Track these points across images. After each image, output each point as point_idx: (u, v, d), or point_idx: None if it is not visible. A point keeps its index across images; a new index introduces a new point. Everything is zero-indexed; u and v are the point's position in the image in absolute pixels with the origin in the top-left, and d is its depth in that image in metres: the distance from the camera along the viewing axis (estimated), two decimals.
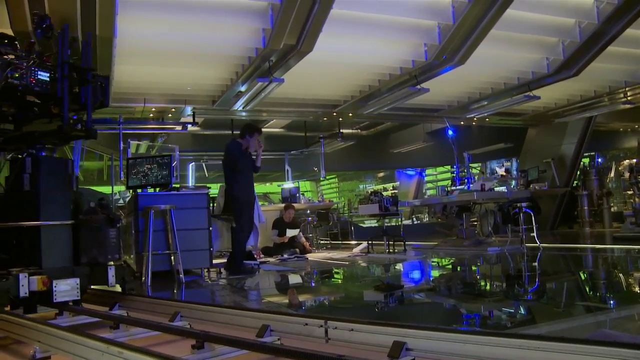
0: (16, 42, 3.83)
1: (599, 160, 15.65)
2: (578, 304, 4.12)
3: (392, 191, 18.86)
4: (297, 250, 9.18)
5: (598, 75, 9.77)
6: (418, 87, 8.71)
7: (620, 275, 5.66)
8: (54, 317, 3.44)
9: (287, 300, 4.99)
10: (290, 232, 9.33)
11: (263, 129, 13.23)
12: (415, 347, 2.11)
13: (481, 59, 8.04)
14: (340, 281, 6.40)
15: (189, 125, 10.58)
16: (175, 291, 5.42)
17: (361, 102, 10.26)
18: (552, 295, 4.64)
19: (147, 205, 5.97)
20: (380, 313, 4.08)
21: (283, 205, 9.94)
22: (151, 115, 10.39)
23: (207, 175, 14.60)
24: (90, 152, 13.05)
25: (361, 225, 15.46)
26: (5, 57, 3.51)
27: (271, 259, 8.60)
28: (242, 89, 8.66)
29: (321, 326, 2.49)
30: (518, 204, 8.06)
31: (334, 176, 24.03)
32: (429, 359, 2.10)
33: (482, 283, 5.66)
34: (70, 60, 3.82)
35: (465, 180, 9.81)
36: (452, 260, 7.81)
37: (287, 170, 13.79)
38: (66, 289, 3.53)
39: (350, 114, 11.33)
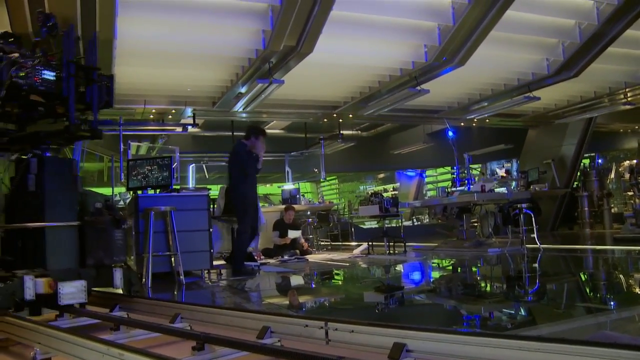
0: (21, 41, 3.79)
1: (599, 161, 15.63)
2: (578, 305, 4.12)
3: (393, 192, 18.84)
4: (297, 251, 9.18)
5: (598, 76, 9.77)
6: (418, 88, 8.71)
7: (621, 276, 5.66)
8: (54, 319, 3.44)
9: (287, 302, 4.99)
10: (292, 234, 9.33)
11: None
12: (416, 348, 2.11)
13: (481, 60, 8.05)
14: (340, 282, 6.40)
15: (189, 127, 10.59)
16: (175, 293, 5.42)
17: (361, 104, 10.26)
18: (553, 296, 4.64)
19: (147, 206, 5.97)
20: (380, 314, 4.08)
21: (283, 206, 9.94)
22: (151, 116, 10.40)
23: (207, 176, 14.60)
24: (90, 153, 13.05)
25: (361, 226, 15.45)
26: (10, 55, 3.46)
27: (271, 261, 8.60)
28: (242, 90, 8.67)
29: (321, 327, 2.49)
30: (518, 205, 8.05)
31: (334, 177, 24.02)
32: None
33: (483, 284, 5.65)
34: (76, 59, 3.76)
35: (466, 181, 9.81)
36: (452, 262, 7.80)
37: (287, 171, 13.79)
38: (72, 291, 3.47)
39: (351, 115, 11.34)
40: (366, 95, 9.87)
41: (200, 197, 6.54)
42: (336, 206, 16.03)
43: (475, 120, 12.28)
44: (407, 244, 9.26)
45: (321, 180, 17.41)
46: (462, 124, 12.71)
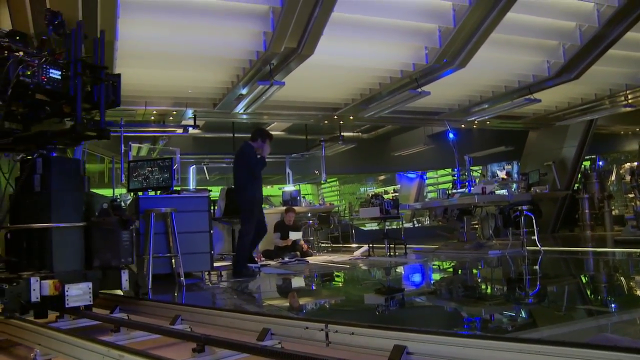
0: (27, 39, 3.72)
1: (600, 163, 15.64)
2: (579, 308, 4.11)
3: (393, 194, 18.84)
4: (298, 253, 9.18)
5: (599, 78, 9.77)
6: (419, 90, 8.71)
7: (622, 278, 5.65)
8: (54, 320, 3.44)
9: (288, 304, 4.99)
10: (293, 235, 9.34)
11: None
12: (416, 350, 2.11)
13: (482, 62, 8.05)
14: (341, 284, 6.40)
15: (190, 128, 10.59)
16: (175, 294, 5.42)
17: (362, 105, 10.27)
18: (553, 298, 4.63)
19: (148, 208, 5.97)
20: (381, 316, 4.07)
21: (284, 208, 9.94)
22: (152, 118, 10.41)
23: (208, 178, 14.62)
24: (91, 154, 13.05)
25: (362, 228, 15.45)
26: (17, 54, 3.40)
27: (272, 262, 8.60)
28: (243, 92, 8.68)
29: (322, 330, 2.49)
30: (519, 207, 8.04)
31: (334, 179, 24.01)
32: None
33: (483, 286, 5.65)
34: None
35: (466, 183, 9.81)
36: (453, 264, 7.80)
37: (288, 173, 13.80)
38: (78, 293, 3.42)
39: (351, 117, 11.34)
40: (367, 97, 9.87)
41: (200, 199, 6.54)
42: (337, 208, 16.03)
43: (476, 122, 12.28)
44: (407, 246, 9.26)
45: (322, 182, 17.40)
46: (463, 126, 12.71)
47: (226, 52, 7.59)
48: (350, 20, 7.05)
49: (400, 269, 7.44)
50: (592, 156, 15.55)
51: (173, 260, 6.05)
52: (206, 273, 6.57)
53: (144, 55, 7.39)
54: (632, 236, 8.85)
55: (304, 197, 12.49)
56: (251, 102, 8.94)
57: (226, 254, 8.94)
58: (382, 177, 23.27)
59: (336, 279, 6.76)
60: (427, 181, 21.33)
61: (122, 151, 9.90)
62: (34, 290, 3.24)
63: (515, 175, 12.06)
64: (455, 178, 10.88)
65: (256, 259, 8.15)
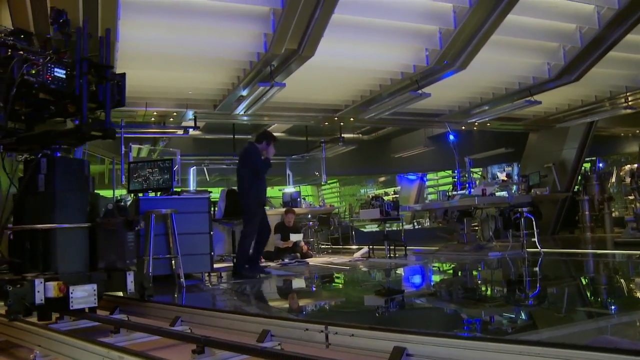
0: (32, 38, 3.66)
1: (600, 165, 15.65)
2: (579, 310, 4.11)
3: (393, 196, 18.81)
4: (298, 254, 9.18)
5: (599, 80, 9.78)
6: (419, 91, 8.72)
7: (622, 280, 5.65)
8: (54, 321, 3.43)
9: (288, 305, 4.99)
10: (294, 237, 9.34)
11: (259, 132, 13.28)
12: (416, 352, 2.10)
13: (482, 64, 8.06)
14: (341, 286, 6.39)
15: (191, 130, 10.60)
16: (175, 295, 5.41)
17: (362, 107, 10.28)
18: (553, 300, 4.63)
19: (148, 209, 5.97)
20: (380, 318, 4.07)
21: (284, 209, 9.94)
22: (153, 119, 10.42)
23: (208, 179, 14.62)
24: (91, 155, 13.05)
25: (362, 229, 15.45)
26: (22, 52, 3.35)
27: (272, 264, 8.60)
28: (244, 93, 8.69)
29: (322, 331, 2.49)
30: (519, 209, 8.05)
31: (335, 181, 24.01)
32: None
33: (483, 288, 5.65)
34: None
35: (467, 185, 9.81)
36: (453, 265, 7.79)
37: (289, 174, 13.80)
38: (83, 295, 3.35)
39: (352, 119, 11.35)
40: (367, 98, 9.88)
41: (201, 200, 6.54)
42: (337, 209, 16.03)
43: (476, 124, 12.29)
44: (407, 247, 9.26)
45: (322, 183, 17.40)
46: (463, 127, 12.73)
47: (227, 53, 7.59)
48: (351, 22, 7.06)
49: (400, 271, 7.44)
50: (592, 158, 15.56)
51: (173, 262, 6.05)
52: (206, 274, 6.57)
53: (145, 56, 7.40)
54: (632, 238, 8.85)
55: (304, 199, 12.49)
56: (252, 104, 8.95)
57: (226, 255, 8.94)
58: (382, 179, 23.27)
59: (336, 280, 6.76)
60: (428, 183, 21.34)
61: (123, 152, 9.90)
62: (39, 292, 3.19)
63: (516, 177, 12.08)
64: (456, 180, 10.89)
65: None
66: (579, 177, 13.14)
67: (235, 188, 7.33)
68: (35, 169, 3.60)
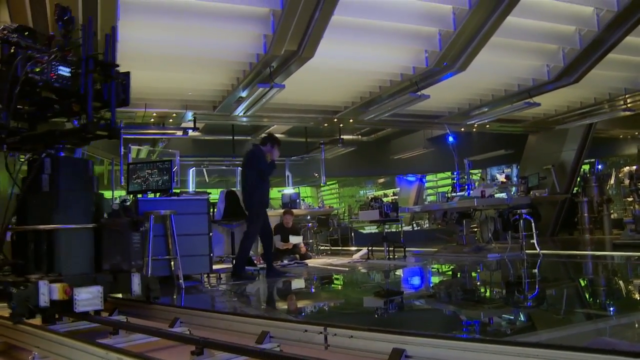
0: (36, 35, 3.58)
1: (599, 167, 15.65)
2: (578, 311, 4.11)
3: (393, 197, 18.82)
4: (297, 256, 9.18)
5: (598, 82, 9.79)
6: (419, 93, 8.73)
7: (620, 282, 5.66)
8: (53, 323, 3.42)
9: (287, 307, 4.98)
10: (294, 239, 9.34)
11: (263, 135, 13.29)
12: (415, 354, 2.10)
13: (482, 65, 8.07)
14: (340, 287, 6.40)
15: (190, 131, 10.60)
16: (175, 297, 5.41)
17: (362, 108, 10.28)
18: (552, 302, 4.63)
19: (147, 210, 5.97)
20: (379, 319, 4.07)
21: (282, 210, 9.94)
22: (152, 120, 10.41)
23: (207, 180, 14.60)
24: (90, 156, 13.05)
25: (361, 231, 15.45)
26: (25, 50, 3.28)
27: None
28: (243, 94, 8.69)
29: (321, 333, 2.49)
30: (518, 211, 8.05)
31: (334, 182, 24.01)
32: None
33: (482, 290, 5.65)
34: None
35: (466, 186, 9.82)
36: (452, 267, 7.80)
37: (288, 176, 13.79)
38: (88, 297, 3.25)
39: (351, 120, 11.36)
40: (367, 100, 9.89)
41: (200, 201, 6.54)
42: (336, 211, 16.02)
43: (476, 125, 12.30)
44: (406, 249, 9.25)
45: (321, 184, 17.39)
46: (463, 129, 12.73)
47: (226, 54, 7.60)
48: (351, 24, 7.07)
49: (399, 272, 7.44)
50: (591, 160, 15.57)
51: (172, 263, 6.05)
52: (205, 275, 6.57)
53: (144, 57, 7.40)
54: (630, 240, 8.85)
55: (303, 200, 12.50)
56: (251, 105, 8.95)
57: (225, 256, 8.93)
58: (381, 180, 23.26)
59: (335, 281, 6.76)
60: (427, 184, 21.33)
61: (122, 153, 9.90)
62: (43, 294, 3.10)
63: (515, 179, 12.12)
64: (455, 181, 10.89)
65: (255, 261, 8.15)
66: (578, 179, 13.15)
67: (235, 189, 7.35)
68: (39, 169, 3.53)
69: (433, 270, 7.57)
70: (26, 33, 3.43)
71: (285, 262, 8.71)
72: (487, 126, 12.60)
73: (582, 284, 5.67)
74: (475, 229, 10.19)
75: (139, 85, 8.62)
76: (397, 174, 20.85)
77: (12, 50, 3.28)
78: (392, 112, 10.03)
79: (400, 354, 2.08)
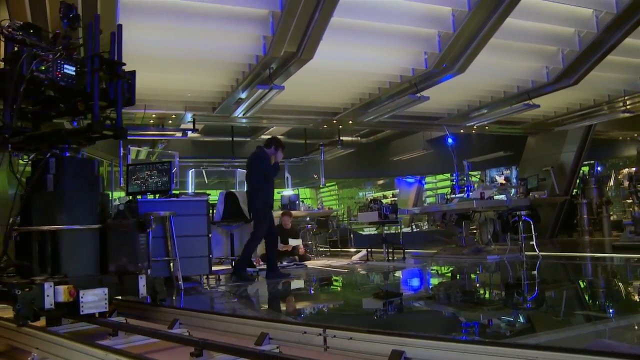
0: (42, 33, 3.49)
1: (599, 168, 15.67)
2: (577, 313, 4.11)
3: (392, 199, 18.83)
4: (296, 257, 9.18)
5: (597, 84, 9.80)
6: (418, 95, 8.74)
7: (620, 284, 5.66)
8: (58, 325, 3.41)
9: (286, 308, 4.98)
10: (293, 242, 9.35)
11: (262, 136, 13.33)
12: (414, 356, 2.10)
13: (481, 67, 8.07)
14: (339, 289, 6.39)
15: (189, 132, 10.60)
16: (174, 298, 5.41)
17: (361, 110, 10.29)
18: (551, 304, 4.63)
19: (146, 211, 5.94)
20: (379, 321, 4.07)
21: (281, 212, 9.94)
22: (151, 121, 10.41)
23: (206, 181, 14.59)
24: (89, 157, 13.04)
25: (360, 232, 15.43)
26: (31, 48, 3.22)
27: None
28: (243, 95, 8.69)
29: (320, 334, 2.48)
30: (517, 212, 8.06)
31: (333, 183, 23.99)
32: None
33: (481, 291, 5.65)
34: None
35: (465, 188, 9.81)
36: (451, 269, 7.80)
37: (287, 177, 13.79)
38: (93, 299, 3.21)
39: (350, 122, 11.36)
40: (366, 101, 9.89)
41: (199, 203, 6.54)
42: (335, 212, 16.02)
43: (475, 127, 12.30)
44: (406, 250, 9.26)
45: (320, 186, 17.37)
46: (462, 130, 12.74)
47: (226, 56, 7.60)
48: (350, 25, 7.07)
49: (398, 274, 7.44)
50: (591, 161, 15.58)
51: (171, 264, 6.05)
52: (204, 277, 6.56)
53: (144, 58, 7.38)
54: (630, 241, 8.86)
55: (302, 201, 12.50)
56: (250, 106, 8.95)
57: (225, 257, 8.92)
58: (380, 182, 23.26)
59: (334, 283, 6.76)
60: (426, 186, 21.32)
61: (121, 154, 9.89)
62: (48, 296, 3.04)
63: (514, 181, 12.11)
64: (454, 183, 10.88)
65: (255, 263, 8.15)
66: (578, 181, 13.16)
67: (234, 190, 7.35)
68: (44, 169, 3.47)
69: (432, 271, 7.57)
70: (31, 31, 3.37)
71: (285, 263, 8.70)
72: (487, 128, 12.61)
73: (582, 286, 5.67)
74: (475, 231, 10.20)
75: (138, 86, 8.45)
76: (397, 176, 20.84)
77: (16, 48, 3.24)
78: (391, 113, 10.03)
79: (399, 355, 2.08)
